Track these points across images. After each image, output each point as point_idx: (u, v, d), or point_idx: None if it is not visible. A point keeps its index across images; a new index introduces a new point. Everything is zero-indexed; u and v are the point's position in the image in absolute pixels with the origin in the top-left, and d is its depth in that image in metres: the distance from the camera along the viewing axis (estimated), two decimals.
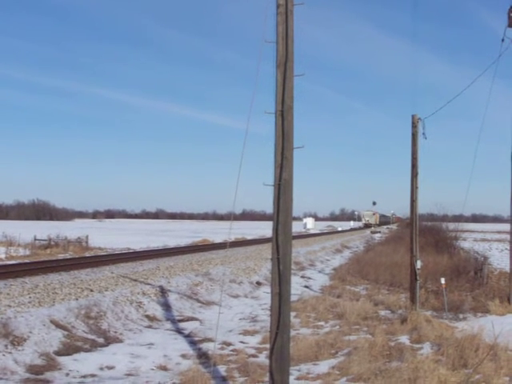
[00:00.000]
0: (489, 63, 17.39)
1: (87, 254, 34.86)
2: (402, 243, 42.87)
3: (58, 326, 12.94)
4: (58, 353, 11.55)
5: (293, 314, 14.74)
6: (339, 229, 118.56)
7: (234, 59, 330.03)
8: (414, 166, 17.81)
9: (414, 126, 17.80)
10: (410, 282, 18.15)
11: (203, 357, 11.81)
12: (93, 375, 10.36)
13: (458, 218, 43.19)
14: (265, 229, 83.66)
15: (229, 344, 13.05)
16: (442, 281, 17.51)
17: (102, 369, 10.81)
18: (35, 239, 39.18)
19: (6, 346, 11.02)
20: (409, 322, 14.58)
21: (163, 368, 11.06)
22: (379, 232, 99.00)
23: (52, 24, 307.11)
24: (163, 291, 18.53)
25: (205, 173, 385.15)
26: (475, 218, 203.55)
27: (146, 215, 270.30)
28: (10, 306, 13.72)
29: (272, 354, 6.97)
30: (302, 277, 28.51)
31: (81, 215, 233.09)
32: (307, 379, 10.23)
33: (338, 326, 15.02)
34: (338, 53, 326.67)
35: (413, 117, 17.93)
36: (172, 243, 48.83)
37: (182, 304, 17.90)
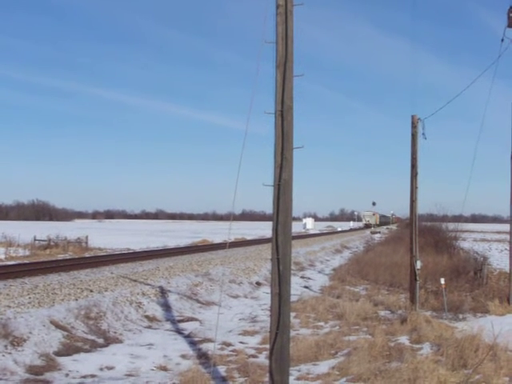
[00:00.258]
0: (488, 63, 17.42)
1: (87, 255, 34.84)
2: (401, 243, 42.87)
3: (58, 326, 12.94)
4: (58, 353, 11.54)
5: (292, 314, 14.73)
6: (339, 229, 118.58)
7: (233, 59, 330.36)
8: (413, 166, 17.83)
9: (414, 126, 17.82)
10: (409, 282, 18.16)
11: (203, 357, 11.81)
12: (93, 376, 10.36)
13: (458, 218, 43.21)
14: (264, 229, 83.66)
15: (229, 344, 13.05)
16: (442, 281, 17.51)
17: (101, 369, 10.81)
18: (35, 240, 39.17)
19: (5, 346, 11.01)
20: (408, 322, 14.57)
21: (163, 368, 11.06)
22: (379, 232, 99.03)
23: (50, 24, 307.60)
24: (163, 292, 18.53)
25: (204, 173, 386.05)
26: (475, 219, 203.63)
27: (145, 216, 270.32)
28: (9, 307, 13.71)
29: (272, 355, 6.97)
30: (302, 277, 28.51)
31: (80, 215, 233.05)
32: (307, 379, 10.23)
33: (337, 327, 15.02)
34: (337, 53, 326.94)
35: (412, 117, 17.95)
36: (172, 244, 48.84)
37: (182, 304, 17.90)
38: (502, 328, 11.88)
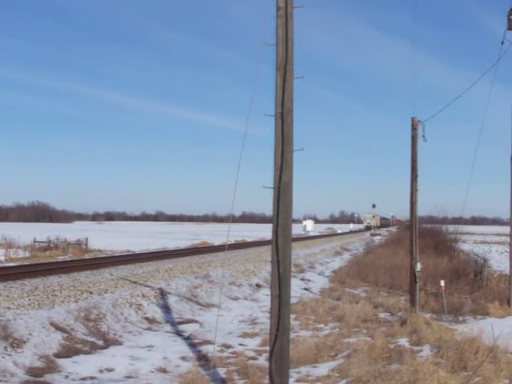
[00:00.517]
0: (488, 66, 17.41)
1: (87, 257, 34.83)
2: (401, 245, 42.88)
3: (58, 328, 12.93)
4: (58, 355, 11.54)
5: (292, 316, 14.73)
6: (339, 231, 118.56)
7: (233, 61, 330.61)
8: (413, 169, 17.83)
9: (414, 128, 17.83)
10: (409, 284, 18.16)
11: (203, 359, 11.80)
12: (92, 377, 10.35)
13: (458, 221, 43.20)
14: (264, 231, 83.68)
15: (228, 346, 13.04)
16: (442, 283, 17.50)
17: (101, 371, 10.80)
18: (35, 241, 39.16)
19: (5, 348, 11.01)
20: (408, 324, 14.57)
21: (163, 370, 11.05)
22: (379, 234, 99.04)
23: (51, 25, 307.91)
24: (163, 293, 18.52)
25: (204, 175, 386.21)
26: (475, 221, 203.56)
27: (145, 217, 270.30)
28: (9, 308, 13.71)
29: (272, 357, 6.97)
30: (302, 279, 28.51)
31: (80, 217, 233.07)
32: (307, 381, 10.23)
33: (337, 329, 15.01)
34: (337, 55, 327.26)
35: (412, 119, 17.96)
36: (172, 245, 48.83)
37: (182, 306, 17.89)
38: (502, 330, 11.87)
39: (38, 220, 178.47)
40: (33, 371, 10.41)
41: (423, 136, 17.66)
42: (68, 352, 11.85)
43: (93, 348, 12.49)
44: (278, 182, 6.92)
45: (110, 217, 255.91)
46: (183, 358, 11.91)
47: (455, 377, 9.60)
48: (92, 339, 13.12)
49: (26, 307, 14.07)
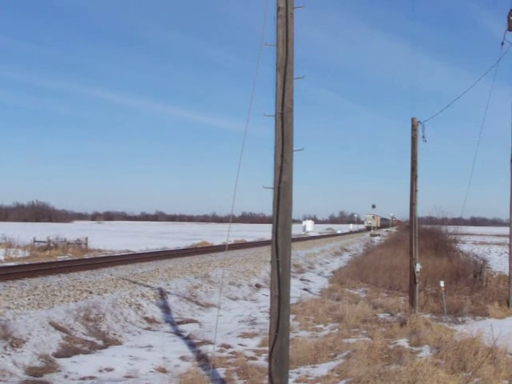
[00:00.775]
0: (488, 66, 17.42)
1: (86, 256, 34.84)
2: (401, 246, 42.89)
3: (57, 327, 12.93)
4: (57, 355, 11.54)
5: (292, 316, 14.74)
6: (338, 231, 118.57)
7: (234, 61, 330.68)
8: (413, 169, 17.84)
9: (414, 129, 17.84)
10: (409, 284, 18.17)
11: (202, 359, 11.80)
12: (92, 377, 10.35)
13: (458, 221, 43.23)
14: (264, 231, 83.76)
15: (228, 346, 13.04)
16: (441, 284, 17.51)
17: (101, 371, 10.80)
18: (34, 241, 39.16)
19: (5, 347, 11.01)
20: (408, 324, 14.57)
21: (162, 370, 11.05)
22: (378, 235, 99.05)
23: (51, 25, 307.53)
24: (162, 293, 18.52)
25: (204, 175, 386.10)
26: (474, 221, 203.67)
27: (145, 217, 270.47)
28: (9, 308, 13.70)
29: (271, 357, 6.97)
30: (302, 279, 28.51)
31: (80, 217, 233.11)
32: (306, 382, 10.23)
33: (337, 329, 15.02)
34: (337, 55, 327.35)
35: (412, 120, 17.97)
36: (171, 245, 48.83)
37: (181, 306, 17.90)
38: (501, 331, 11.87)
39: (37, 220, 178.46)
40: (32, 371, 10.41)
41: (423, 137, 17.69)
42: (67, 352, 11.85)
43: (92, 348, 12.50)
44: (278, 182, 6.92)
45: (109, 216, 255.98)
46: (183, 358, 11.92)
47: (454, 377, 9.61)
48: (91, 339, 13.13)
49: (25, 307, 14.07)
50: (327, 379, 10.21)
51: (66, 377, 10.33)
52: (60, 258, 33.33)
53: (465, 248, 44.43)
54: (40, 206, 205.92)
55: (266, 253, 36.05)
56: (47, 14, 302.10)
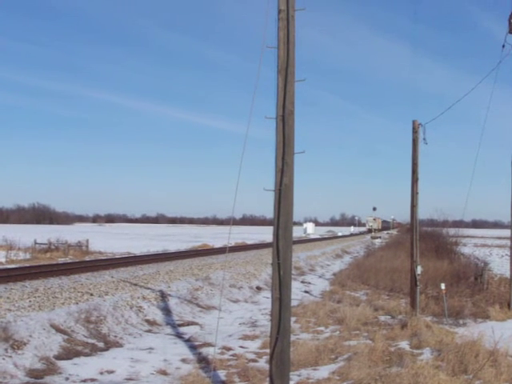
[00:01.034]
0: (489, 69, 17.43)
1: (87, 258, 34.87)
2: (402, 248, 42.84)
3: (58, 330, 12.93)
4: (58, 357, 11.54)
5: (293, 319, 14.72)
6: (339, 234, 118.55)
7: (235, 63, 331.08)
8: (414, 172, 17.84)
9: (415, 131, 17.84)
10: (410, 287, 18.16)
11: (203, 361, 11.80)
12: (93, 379, 10.35)
13: (459, 224, 43.21)
14: (265, 234, 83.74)
15: (229, 349, 13.03)
16: (442, 286, 17.49)
17: (101, 373, 10.80)
18: (35, 243, 39.18)
19: (5, 349, 11.01)
20: (409, 327, 14.56)
21: (163, 373, 11.05)
22: (379, 237, 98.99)
23: (49, 26, 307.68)
24: (163, 296, 18.52)
25: (205, 177, 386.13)
26: (475, 224, 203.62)
27: (146, 220, 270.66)
28: (10, 310, 13.71)
29: (272, 359, 6.97)
30: (303, 282, 28.50)
31: (81, 219, 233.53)
32: None
33: (338, 331, 15.00)
34: (339, 57, 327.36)
35: (413, 122, 17.98)
36: (172, 248, 48.82)
37: (182, 308, 17.89)
38: (502, 333, 11.87)
39: (38, 222, 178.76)
40: (33, 373, 10.42)
41: (424, 139, 17.67)
42: (68, 354, 11.85)
43: (93, 350, 12.49)
44: (279, 185, 6.93)
45: (110, 219, 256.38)
46: (184, 361, 11.91)
47: (456, 380, 9.60)
48: (92, 341, 13.13)
49: (26, 309, 14.07)
50: (328, 381, 10.20)
51: (66, 379, 10.33)
52: (61, 260, 33.36)
53: (466, 250, 44.39)
54: (41, 208, 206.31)
55: (267, 255, 36.04)
56: (46, 15, 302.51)
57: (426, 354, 11.85)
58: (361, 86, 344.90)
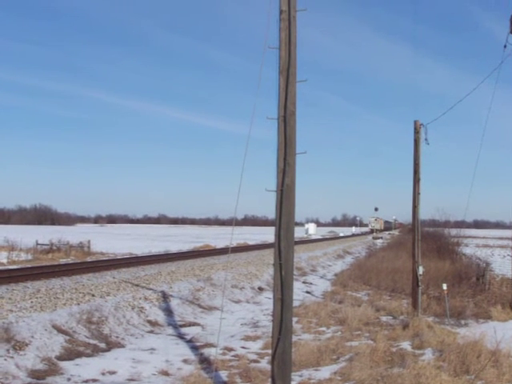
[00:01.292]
0: (491, 69, 17.40)
1: (89, 259, 34.89)
2: (403, 249, 42.87)
3: (60, 330, 12.94)
4: (60, 358, 11.55)
5: (294, 319, 14.71)
6: (341, 234, 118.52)
7: (236, 64, 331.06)
8: (416, 172, 17.83)
9: (417, 131, 17.83)
10: (411, 287, 18.15)
11: (205, 362, 11.80)
12: (94, 380, 10.36)
13: (460, 224, 43.11)
14: (267, 234, 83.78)
15: (230, 349, 13.04)
16: (444, 287, 17.49)
17: (103, 374, 10.81)
18: (37, 244, 39.22)
19: (7, 350, 11.02)
20: (411, 327, 14.56)
21: (165, 373, 11.05)
22: (381, 238, 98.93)
23: (50, 27, 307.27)
24: (165, 296, 18.53)
25: (207, 178, 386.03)
26: (477, 224, 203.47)
27: (147, 220, 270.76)
28: (11, 311, 13.73)
29: (274, 360, 6.97)
30: (304, 282, 28.50)
31: (83, 220, 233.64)
32: None
33: (339, 332, 15.00)
34: (340, 58, 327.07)
35: (415, 123, 17.97)
36: (174, 248, 48.84)
37: (184, 309, 17.90)
38: (504, 334, 11.86)
39: (40, 223, 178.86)
40: (35, 374, 10.42)
41: (426, 139, 17.66)
42: (70, 355, 11.86)
43: (95, 351, 12.50)
44: (281, 185, 6.93)
45: (112, 219, 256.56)
46: (185, 361, 11.92)
47: (457, 380, 9.59)
48: (94, 342, 13.13)
49: (28, 310, 14.09)
50: (330, 382, 10.20)
51: (68, 380, 10.34)
52: (63, 261, 33.38)
53: (467, 251, 44.37)
54: (42, 209, 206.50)
55: (269, 256, 36.02)
56: (46, 16, 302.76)
57: (428, 355, 11.83)
58: (362, 86, 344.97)
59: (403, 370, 10.12)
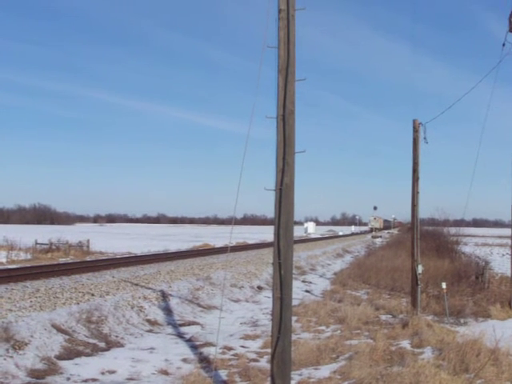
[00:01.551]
0: (490, 68, 17.40)
1: (88, 259, 34.88)
2: (403, 248, 42.87)
3: (60, 330, 12.94)
4: (60, 357, 11.55)
5: (294, 318, 14.71)
6: (340, 233, 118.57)
7: (235, 63, 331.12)
8: (415, 171, 17.84)
9: (415, 130, 17.84)
10: (411, 286, 18.16)
11: (204, 361, 11.80)
12: (94, 379, 10.36)
13: (459, 223, 43.15)
14: (266, 233, 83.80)
15: (230, 348, 13.04)
16: (443, 285, 17.49)
17: (103, 373, 10.81)
18: (36, 243, 39.18)
19: (7, 350, 11.01)
20: (410, 326, 14.56)
21: (164, 372, 11.06)
22: (380, 237, 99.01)
23: (50, 27, 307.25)
24: (164, 295, 18.53)
25: (206, 177, 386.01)
26: (476, 223, 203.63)
27: (147, 219, 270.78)
28: (11, 311, 13.72)
29: (273, 359, 6.97)
30: (303, 281, 28.50)
31: (82, 219, 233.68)
32: None
33: (339, 331, 15.00)
34: (339, 57, 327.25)
35: (414, 122, 17.97)
36: (173, 247, 48.84)
37: (183, 308, 17.90)
38: (503, 332, 11.86)
39: (39, 222, 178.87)
40: (34, 373, 10.42)
41: (424, 138, 17.67)
42: (70, 354, 11.86)
43: (94, 350, 12.50)
44: (280, 184, 6.93)
45: (111, 219, 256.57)
46: (185, 360, 11.92)
47: (457, 379, 9.59)
48: (94, 341, 13.13)
49: (27, 309, 14.08)
50: (329, 381, 10.20)
51: (68, 379, 10.33)
52: (62, 260, 33.37)
53: (466, 249, 44.40)
54: (42, 208, 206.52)
55: (268, 255, 36.03)
56: (47, 16, 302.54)
57: (427, 353, 11.84)
58: (361, 85, 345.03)
59: (403, 369, 10.13)
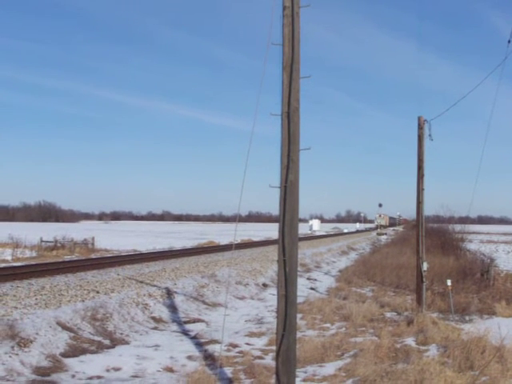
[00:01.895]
0: (495, 65, 17.33)
1: (93, 256, 34.95)
2: (408, 245, 42.80)
3: (65, 327, 12.97)
4: (65, 354, 11.57)
5: (299, 315, 14.72)
6: (345, 231, 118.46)
7: (240, 61, 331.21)
8: (420, 168, 17.80)
9: (420, 127, 17.81)
10: (416, 283, 18.14)
11: (209, 358, 11.80)
12: (99, 377, 10.38)
13: (464, 220, 43.08)
14: (271, 230, 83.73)
15: (235, 346, 13.05)
16: (449, 282, 17.46)
17: (108, 370, 10.83)
18: (41, 241, 39.28)
19: (12, 347, 11.04)
20: (415, 323, 14.54)
21: (169, 370, 11.07)
22: (385, 234, 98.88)
23: (53, 25, 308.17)
24: (169, 293, 18.55)
25: (211, 174, 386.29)
26: (481, 220, 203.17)
27: (151, 217, 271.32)
28: (16, 308, 13.75)
29: (278, 356, 6.97)
30: (308, 279, 28.49)
31: (87, 217, 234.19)
32: (313, 381, 10.22)
33: (344, 328, 15.00)
34: (344, 54, 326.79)
35: (419, 119, 17.93)
36: (178, 245, 48.91)
37: (188, 306, 17.91)
38: (508, 330, 11.83)
39: (44, 220, 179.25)
40: (40, 370, 10.45)
41: (429, 135, 17.65)
42: (75, 351, 11.88)
43: (99, 347, 12.52)
44: (285, 182, 6.91)
45: (116, 216, 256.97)
46: (190, 358, 11.93)
47: (462, 376, 9.58)
48: (99, 339, 13.15)
49: (32, 307, 14.11)
50: (334, 378, 10.20)
51: (73, 376, 10.36)
52: (67, 257, 33.46)
53: (472, 247, 44.32)
54: (47, 206, 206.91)
55: (273, 252, 36.05)
56: (50, 14, 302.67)
57: (432, 351, 11.82)
58: (366, 82, 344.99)
59: (407, 366, 10.11)
